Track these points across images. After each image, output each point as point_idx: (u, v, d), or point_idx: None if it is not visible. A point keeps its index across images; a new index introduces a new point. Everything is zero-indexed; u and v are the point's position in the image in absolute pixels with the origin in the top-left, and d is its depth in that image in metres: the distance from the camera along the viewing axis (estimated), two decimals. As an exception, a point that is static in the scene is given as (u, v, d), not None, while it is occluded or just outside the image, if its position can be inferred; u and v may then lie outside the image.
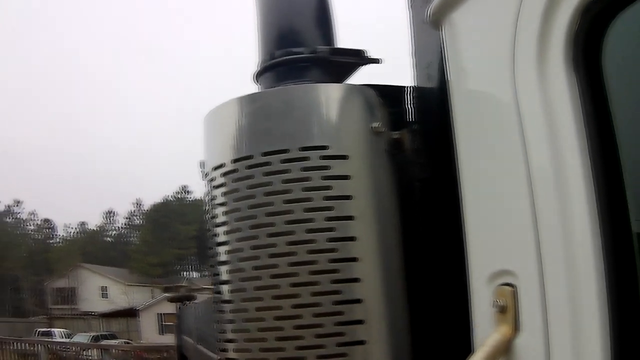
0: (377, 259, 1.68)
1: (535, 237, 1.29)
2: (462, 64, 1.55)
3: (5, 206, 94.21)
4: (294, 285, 1.63)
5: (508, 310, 1.34)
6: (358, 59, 1.97)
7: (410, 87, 1.85)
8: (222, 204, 1.77)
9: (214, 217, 1.80)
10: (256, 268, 1.67)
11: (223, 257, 1.77)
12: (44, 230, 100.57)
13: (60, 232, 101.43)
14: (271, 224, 1.65)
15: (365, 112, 1.75)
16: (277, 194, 1.66)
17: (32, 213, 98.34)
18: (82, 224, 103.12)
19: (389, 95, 1.80)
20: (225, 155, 1.77)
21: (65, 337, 40.47)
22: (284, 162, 1.67)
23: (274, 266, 1.65)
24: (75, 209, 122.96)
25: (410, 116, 1.82)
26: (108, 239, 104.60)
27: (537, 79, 1.30)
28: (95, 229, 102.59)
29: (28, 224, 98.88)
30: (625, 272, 1.19)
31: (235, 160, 1.73)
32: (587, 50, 1.26)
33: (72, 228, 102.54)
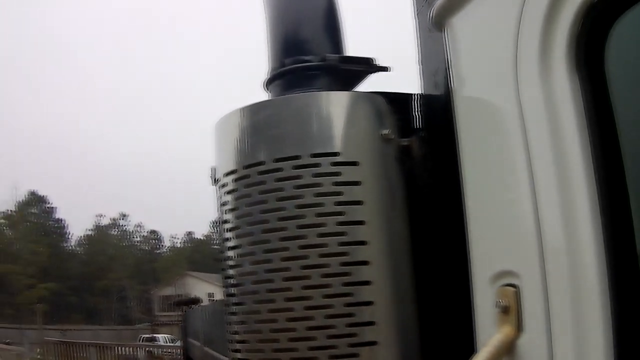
0: (387, 262, 1.70)
1: (538, 237, 1.29)
2: (464, 67, 1.57)
3: (111, 219, 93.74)
4: (306, 287, 1.64)
5: (511, 310, 1.34)
6: (367, 66, 1.98)
7: (417, 94, 1.86)
8: (233, 209, 1.78)
9: (225, 221, 1.82)
10: (268, 271, 1.68)
11: (235, 261, 1.79)
12: (151, 241, 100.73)
13: (167, 242, 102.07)
14: (283, 229, 1.67)
15: (375, 119, 1.76)
16: (289, 199, 1.67)
17: (139, 225, 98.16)
18: (189, 233, 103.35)
19: (397, 102, 1.81)
20: (237, 161, 1.79)
21: (169, 342, 40.26)
22: (295, 168, 1.68)
23: (286, 269, 1.66)
24: (181, 220, 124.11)
25: (418, 123, 1.83)
26: (215, 247, 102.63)
27: (539, 80, 1.31)
28: (202, 238, 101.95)
29: (134, 235, 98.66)
30: (627, 272, 1.20)
31: (247, 166, 1.75)
32: (589, 52, 1.27)
33: (178, 238, 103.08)
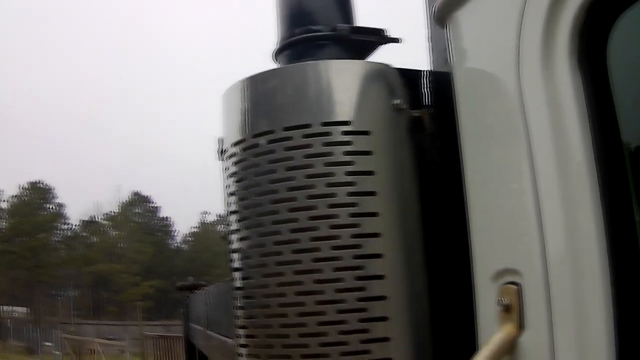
0: (399, 235, 1.65)
1: (540, 235, 1.28)
2: (467, 62, 1.55)
3: (217, 216, 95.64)
4: (316, 260, 1.59)
5: (513, 308, 1.33)
6: (378, 38, 1.93)
7: (427, 71, 1.82)
8: (241, 179, 1.73)
9: (233, 193, 1.76)
10: (277, 243, 1.63)
11: (243, 234, 1.73)
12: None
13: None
14: (292, 199, 1.62)
15: (386, 89, 1.72)
16: (299, 168, 1.63)
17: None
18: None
19: (407, 78, 1.77)
20: (246, 130, 1.74)
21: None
22: (305, 137, 1.64)
23: (296, 241, 1.61)
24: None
25: (427, 99, 1.79)
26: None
27: (542, 76, 1.29)
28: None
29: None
30: (630, 270, 1.19)
31: (256, 135, 1.70)
32: (592, 47, 1.26)
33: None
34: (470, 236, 1.48)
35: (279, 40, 1.98)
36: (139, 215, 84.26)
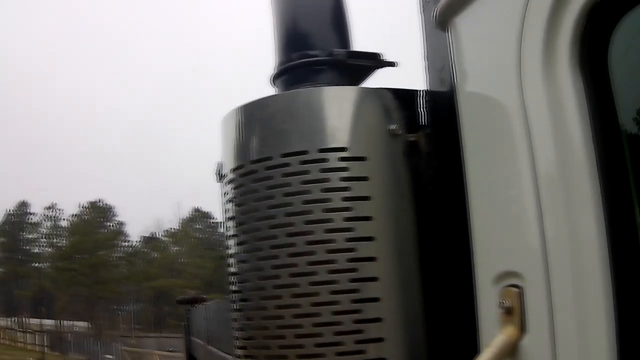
0: (395, 258, 1.65)
1: (542, 238, 1.27)
2: (468, 66, 1.54)
3: None
4: (313, 284, 1.60)
5: (514, 311, 1.32)
6: (374, 62, 1.94)
7: (423, 91, 1.81)
8: (240, 205, 1.75)
9: (232, 217, 1.78)
10: (275, 267, 1.65)
11: (242, 257, 1.75)
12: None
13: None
14: (290, 224, 1.63)
15: (382, 115, 1.72)
16: (296, 194, 1.63)
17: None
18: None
19: (403, 98, 1.77)
20: (244, 156, 1.75)
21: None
22: (302, 164, 1.64)
23: (293, 265, 1.62)
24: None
25: (424, 120, 1.78)
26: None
27: (543, 80, 1.28)
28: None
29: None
30: (631, 273, 1.17)
31: (254, 162, 1.71)
32: (593, 51, 1.24)
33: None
34: (472, 239, 1.48)
35: (277, 65, 1.99)
36: (200, 231, 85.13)
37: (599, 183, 1.20)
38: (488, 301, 1.41)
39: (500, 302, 1.35)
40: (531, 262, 1.29)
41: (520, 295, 1.31)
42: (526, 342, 1.30)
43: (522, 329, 1.31)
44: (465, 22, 1.53)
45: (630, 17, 1.21)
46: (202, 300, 6.40)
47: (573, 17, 1.23)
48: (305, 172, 1.64)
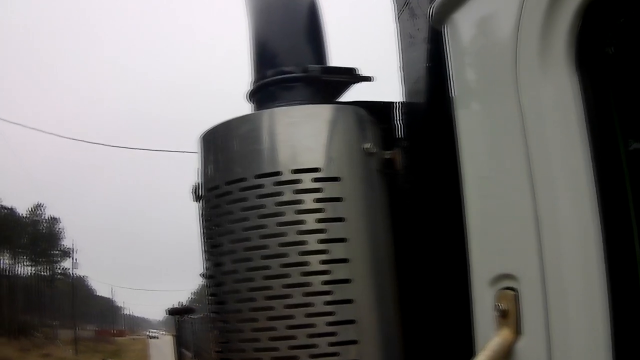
0: (370, 279, 1.57)
1: (537, 241, 1.21)
2: (464, 64, 1.46)
3: None
4: (288, 306, 1.52)
5: (510, 314, 1.27)
6: (350, 77, 1.83)
7: (399, 102, 1.73)
8: (217, 225, 1.66)
9: (210, 237, 1.69)
10: (251, 290, 1.56)
11: (218, 279, 1.65)
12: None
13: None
14: (265, 247, 1.54)
15: (356, 133, 1.63)
16: (270, 216, 1.54)
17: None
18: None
19: (379, 112, 1.68)
20: (219, 177, 1.66)
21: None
22: (276, 185, 1.55)
23: (269, 288, 1.53)
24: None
25: (400, 132, 1.71)
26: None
27: (539, 79, 1.22)
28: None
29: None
30: (627, 276, 1.13)
31: (229, 183, 1.62)
32: (589, 50, 1.19)
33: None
34: (468, 242, 1.40)
35: (252, 81, 1.88)
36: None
37: (596, 185, 1.15)
38: (484, 304, 1.34)
39: (496, 305, 1.29)
40: (527, 265, 1.23)
41: (516, 298, 1.26)
42: (522, 344, 1.25)
43: (518, 331, 1.25)
44: (461, 21, 1.46)
45: (626, 17, 1.17)
46: (192, 310, 6.27)
47: (569, 15, 1.18)
48: (279, 194, 1.55)
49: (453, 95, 1.48)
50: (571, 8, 1.17)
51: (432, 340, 1.62)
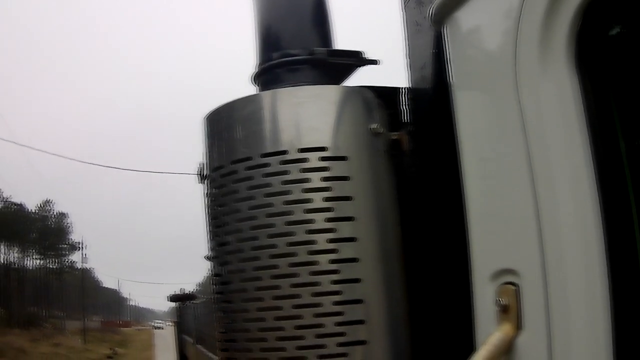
0: (378, 259, 1.54)
1: (539, 236, 1.19)
2: (464, 63, 1.44)
3: None
4: (295, 285, 1.49)
5: (511, 309, 1.25)
6: (356, 60, 1.80)
7: (405, 88, 1.70)
8: (222, 205, 1.62)
9: (214, 217, 1.66)
10: (257, 269, 1.53)
11: (224, 258, 1.63)
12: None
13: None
14: (271, 225, 1.51)
15: (363, 114, 1.60)
16: (277, 195, 1.52)
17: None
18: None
19: (385, 96, 1.65)
20: (225, 157, 1.63)
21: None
22: (283, 164, 1.53)
23: (275, 267, 1.50)
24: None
25: (406, 117, 1.67)
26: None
27: (539, 77, 1.21)
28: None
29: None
30: (628, 271, 1.12)
31: (235, 162, 1.59)
32: (589, 49, 1.18)
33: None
34: (469, 236, 1.39)
35: (257, 64, 1.85)
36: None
37: (596, 180, 1.14)
38: (485, 298, 1.33)
39: (496, 300, 1.28)
40: (528, 259, 1.22)
41: (517, 293, 1.25)
42: (522, 339, 1.23)
43: (519, 326, 1.24)
44: (460, 19, 1.44)
45: (625, 16, 1.17)
46: (194, 297, 6.18)
47: (568, 15, 1.16)
48: (286, 173, 1.52)
49: (453, 93, 1.46)
50: (571, 8, 1.16)
51: (435, 336, 1.59)
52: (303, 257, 1.49)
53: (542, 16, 1.19)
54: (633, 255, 1.12)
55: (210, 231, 1.70)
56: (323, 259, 1.49)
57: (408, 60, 1.71)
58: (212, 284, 1.71)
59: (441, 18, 1.49)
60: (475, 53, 1.42)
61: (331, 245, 1.49)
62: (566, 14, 1.16)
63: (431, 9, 1.50)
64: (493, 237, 1.34)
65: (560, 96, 1.18)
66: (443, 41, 1.50)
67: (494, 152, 1.34)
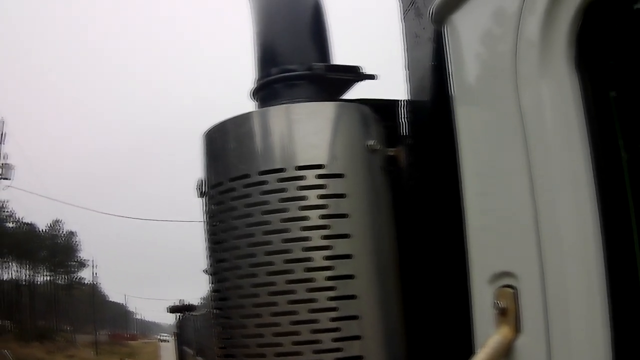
0: (374, 275, 1.51)
1: (537, 239, 1.17)
2: (464, 64, 1.42)
3: None
4: (292, 302, 1.46)
5: (509, 312, 1.23)
6: (353, 75, 1.76)
7: (404, 100, 1.68)
8: (220, 222, 1.59)
9: (213, 234, 1.63)
10: (254, 285, 1.49)
11: (222, 274, 1.59)
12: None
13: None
14: (268, 242, 1.48)
15: (360, 130, 1.57)
16: (274, 212, 1.48)
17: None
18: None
19: (383, 109, 1.62)
20: (223, 173, 1.60)
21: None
22: (280, 181, 1.49)
23: (272, 284, 1.47)
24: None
25: (405, 130, 1.65)
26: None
27: (539, 78, 1.18)
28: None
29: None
30: (626, 274, 1.10)
31: (233, 179, 1.55)
32: (589, 50, 1.15)
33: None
34: (467, 239, 1.37)
35: (256, 79, 1.81)
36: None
37: (595, 183, 1.12)
38: (483, 302, 1.31)
39: (495, 303, 1.25)
40: (526, 262, 1.19)
41: (515, 296, 1.22)
42: (521, 342, 1.21)
43: (517, 329, 1.21)
44: (461, 20, 1.41)
45: (626, 15, 1.13)
46: (193, 308, 6.10)
47: (569, 15, 1.14)
48: (283, 190, 1.49)
49: (453, 95, 1.43)
50: (571, 8, 1.13)
51: (433, 337, 1.57)
52: (300, 274, 1.46)
53: (542, 17, 1.17)
54: (631, 258, 1.10)
55: (208, 247, 1.66)
56: (319, 275, 1.46)
57: (407, 71, 1.69)
58: (211, 299, 1.67)
59: (441, 18, 1.46)
60: (475, 54, 1.40)
61: (327, 263, 1.46)
62: (566, 14, 1.14)
63: (431, 9, 1.48)
64: (491, 240, 1.31)
65: (560, 96, 1.16)
66: (442, 51, 1.47)
67: (493, 153, 1.32)
